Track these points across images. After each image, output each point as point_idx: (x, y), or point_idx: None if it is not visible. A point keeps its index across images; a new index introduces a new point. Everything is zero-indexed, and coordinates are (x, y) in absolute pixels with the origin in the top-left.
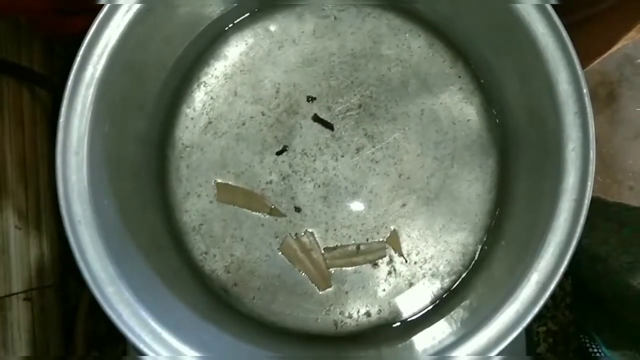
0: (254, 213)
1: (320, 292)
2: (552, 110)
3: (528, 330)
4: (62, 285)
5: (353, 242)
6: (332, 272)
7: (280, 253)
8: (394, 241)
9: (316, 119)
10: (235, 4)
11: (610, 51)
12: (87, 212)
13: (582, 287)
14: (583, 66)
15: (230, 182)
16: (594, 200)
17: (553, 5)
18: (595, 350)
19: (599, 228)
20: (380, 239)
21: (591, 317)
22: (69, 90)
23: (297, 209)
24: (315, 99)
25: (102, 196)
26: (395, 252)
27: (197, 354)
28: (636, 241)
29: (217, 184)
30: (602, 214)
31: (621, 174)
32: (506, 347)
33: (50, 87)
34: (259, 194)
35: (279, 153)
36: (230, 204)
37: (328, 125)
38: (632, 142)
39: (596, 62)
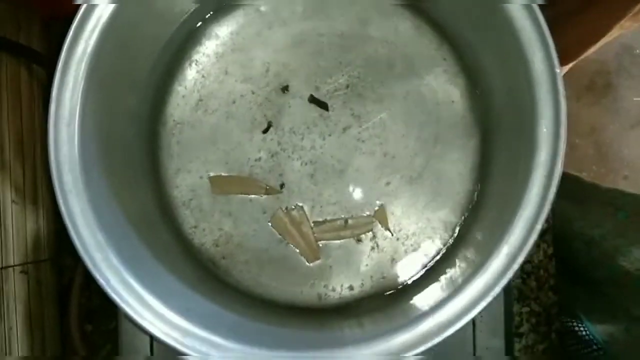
0: None
1: (310, 264)
2: (527, 89)
3: (508, 310)
4: (57, 260)
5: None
6: (321, 245)
7: (270, 225)
8: (381, 215)
9: (312, 99)
10: None
11: (605, 39)
12: (78, 183)
13: (574, 272)
14: (579, 54)
15: (222, 172)
16: (590, 186)
17: None
18: (583, 332)
19: (593, 212)
20: (366, 214)
21: (581, 300)
22: (62, 63)
23: (282, 186)
24: (288, 87)
25: (93, 169)
26: (382, 226)
27: (183, 320)
28: (631, 225)
29: (210, 179)
30: (597, 199)
31: (617, 163)
32: (486, 326)
33: (48, 64)
34: (251, 178)
35: (264, 131)
36: (226, 194)
37: (323, 106)
38: (628, 131)
39: (592, 50)
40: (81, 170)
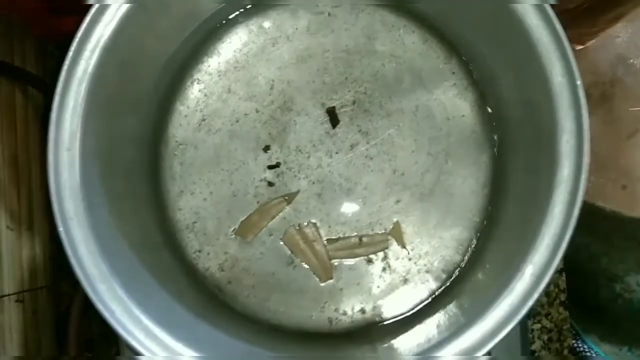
0: (247, 210)
1: (322, 284)
2: (546, 103)
3: (523, 328)
4: (54, 288)
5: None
6: (335, 263)
7: (277, 246)
8: (396, 232)
9: (330, 111)
10: (228, 2)
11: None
12: (79, 210)
13: (593, 306)
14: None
15: (226, 194)
16: (612, 217)
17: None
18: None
19: (616, 247)
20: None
21: (598, 333)
22: (61, 85)
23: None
24: (270, 147)
25: (94, 194)
26: (398, 244)
27: (191, 352)
28: None
29: (237, 233)
30: (620, 232)
31: (615, 173)
32: (501, 344)
33: (43, 87)
34: (265, 202)
35: (271, 167)
36: (258, 232)
37: (335, 121)
38: (625, 141)
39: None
40: (83, 196)
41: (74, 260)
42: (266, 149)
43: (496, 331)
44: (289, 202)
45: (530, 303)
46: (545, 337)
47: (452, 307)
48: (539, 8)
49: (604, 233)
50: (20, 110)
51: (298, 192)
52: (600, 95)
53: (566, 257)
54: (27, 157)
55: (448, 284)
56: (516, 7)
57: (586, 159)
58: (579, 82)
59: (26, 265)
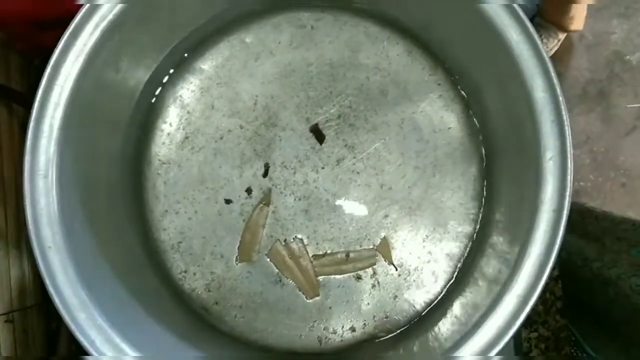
0: (233, 229)
1: (309, 301)
2: (529, 118)
3: (516, 335)
4: (45, 306)
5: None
6: (321, 279)
7: (265, 263)
8: (384, 248)
9: (314, 129)
10: (214, 15)
11: None
12: (57, 237)
13: (590, 311)
14: None
15: (211, 213)
16: (603, 218)
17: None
18: None
19: (608, 249)
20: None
21: (596, 338)
22: (36, 112)
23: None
24: (252, 190)
25: (73, 219)
26: (385, 260)
27: None
28: None
29: (240, 260)
30: (611, 233)
31: (613, 171)
32: None
33: (28, 103)
34: (249, 220)
35: (264, 175)
36: (259, 247)
37: (320, 138)
38: (623, 138)
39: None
40: (60, 223)
41: (52, 290)
42: (249, 191)
43: (485, 351)
44: (268, 204)
45: (517, 324)
46: (543, 345)
47: (441, 325)
48: (518, 21)
49: (596, 235)
50: (6, 128)
51: (270, 190)
52: (598, 92)
53: (561, 263)
54: (14, 174)
55: (437, 301)
56: (495, 20)
57: (570, 178)
58: (561, 99)
59: (15, 285)
